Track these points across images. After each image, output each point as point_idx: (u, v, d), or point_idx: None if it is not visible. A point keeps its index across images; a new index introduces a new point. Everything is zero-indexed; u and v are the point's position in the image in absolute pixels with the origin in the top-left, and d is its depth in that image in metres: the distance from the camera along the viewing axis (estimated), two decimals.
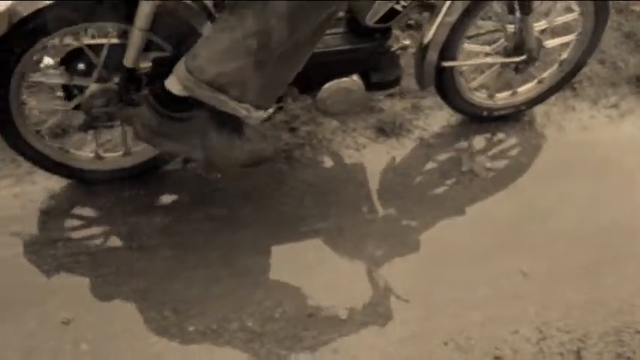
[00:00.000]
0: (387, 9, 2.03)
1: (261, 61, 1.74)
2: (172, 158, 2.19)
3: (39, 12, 1.76)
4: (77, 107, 1.98)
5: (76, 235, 2.06)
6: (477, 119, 2.49)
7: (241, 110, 1.81)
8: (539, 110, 2.56)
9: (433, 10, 2.16)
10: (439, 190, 2.29)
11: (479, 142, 2.45)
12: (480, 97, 2.44)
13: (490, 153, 2.42)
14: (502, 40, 2.34)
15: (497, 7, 2.42)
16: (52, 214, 2.09)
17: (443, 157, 2.39)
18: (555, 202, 2.25)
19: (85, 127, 2.02)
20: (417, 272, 2.02)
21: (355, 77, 2.08)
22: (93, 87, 1.92)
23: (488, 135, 2.48)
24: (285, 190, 2.23)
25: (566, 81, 2.51)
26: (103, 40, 1.90)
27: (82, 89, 1.94)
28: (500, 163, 2.40)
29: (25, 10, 1.75)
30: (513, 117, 2.52)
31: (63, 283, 1.93)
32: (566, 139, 2.49)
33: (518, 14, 2.24)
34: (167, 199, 2.19)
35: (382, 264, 2.04)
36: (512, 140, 2.48)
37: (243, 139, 1.92)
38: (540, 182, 2.33)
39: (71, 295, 1.90)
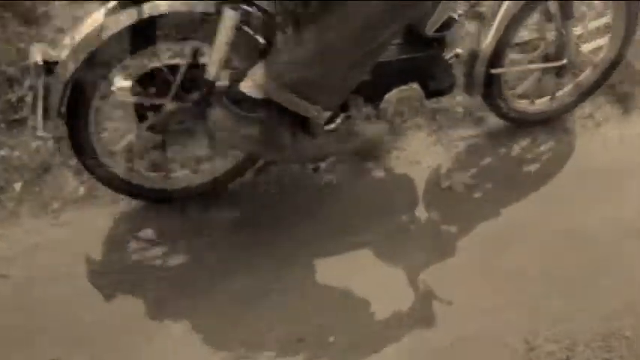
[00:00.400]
0: (445, 18, 2.10)
1: (334, 69, 1.86)
2: (241, 173, 2.24)
3: (127, 30, 1.81)
4: (151, 127, 2.02)
5: (62, 273, 2.03)
6: (519, 125, 2.57)
7: (313, 111, 1.92)
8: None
9: (482, 19, 2.20)
10: (415, 211, 2.29)
11: (457, 159, 2.46)
12: (522, 104, 2.52)
13: (470, 169, 2.43)
14: (542, 47, 2.42)
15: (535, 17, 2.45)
16: (38, 254, 2.07)
17: (423, 176, 2.40)
18: (537, 214, 2.27)
19: (161, 146, 2.07)
20: (402, 290, 2.04)
21: (415, 86, 2.15)
22: (169, 106, 1.97)
23: (467, 151, 2.50)
24: (276, 213, 2.24)
25: (602, 82, 2.58)
26: (179, 60, 1.95)
27: (155, 109, 1.98)
28: (484, 177, 2.42)
29: (113, 28, 1.80)
30: (552, 121, 2.60)
31: (50, 323, 1.91)
32: (541, 150, 2.54)
33: (559, 19, 2.32)
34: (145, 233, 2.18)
35: (367, 289, 2.04)
36: (489, 154, 2.51)
37: (311, 136, 2.02)
38: (520, 195, 2.36)
39: (59, 334, 1.88)
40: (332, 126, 2.06)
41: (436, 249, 2.16)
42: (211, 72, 1.89)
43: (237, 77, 1.92)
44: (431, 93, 2.20)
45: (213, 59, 1.87)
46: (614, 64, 2.53)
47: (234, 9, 1.80)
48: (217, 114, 1.90)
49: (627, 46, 2.49)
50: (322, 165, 2.12)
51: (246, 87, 1.87)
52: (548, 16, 2.35)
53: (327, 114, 1.99)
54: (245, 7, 1.82)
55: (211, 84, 1.91)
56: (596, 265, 2.11)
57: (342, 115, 2.08)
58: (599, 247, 2.16)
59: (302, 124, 1.99)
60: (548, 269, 2.09)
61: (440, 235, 2.21)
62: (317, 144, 2.04)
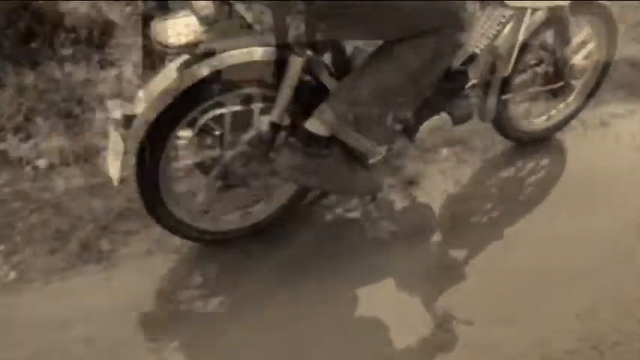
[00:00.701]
0: (469, 53, 2.30)
1: (391, 107, 2.06)
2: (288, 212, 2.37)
3: (199, 83, 1.92)
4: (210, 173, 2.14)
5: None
6: (525, 143, 2.82)
7: (369, 146, 2.11)
8: (430, 169, 2.70)
9: (497, 52, 2.44)
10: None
11: (379, 205, 2.54)
12: (526, 123, 2.77)
13: (393, 215, 2.51)
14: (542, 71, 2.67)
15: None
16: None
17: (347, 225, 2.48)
18: (471, 247, 2.40)
19: (225, 189, 2.16)
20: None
21: (444, 114, 2.32)
22: (229, 153, 2.09)
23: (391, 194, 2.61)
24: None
25: (596, 90, 2.85)
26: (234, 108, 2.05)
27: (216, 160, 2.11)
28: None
29: (187, 82, 1.91)
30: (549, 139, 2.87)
31: None
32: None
33: (557, 46, 2.58)
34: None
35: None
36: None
37: (365, 170, 2.20)
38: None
39: None
40: (379, 158, 2.21)
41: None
42: (276, 114, 2.02)
43: (297, 117, 2.06)
44: (457, 121, 2.37)
45: (279, 102, 2.00)
46: (603, 73, 2.81)
47: (300, 55, 1.93)
48: (285, 152, 2.03)
49: (613, 54, 2.77)
50: (378, 195, 2.24)
51: (313, 126, 2.01)
52: (544, 45, 2.61)
53: (381, 148, 2.16)
54: (307, 53, 1.95)
55: (277, 126, 2.04)
56: (518, 300, 2.19)
57: (385, 149, 2.23)
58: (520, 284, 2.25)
59: (357, 159, 2.15)
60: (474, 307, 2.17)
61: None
62: (371, 177, 2.20)
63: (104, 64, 2.96)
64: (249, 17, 1.92)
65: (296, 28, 1.86)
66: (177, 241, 2.28)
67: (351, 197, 2.48)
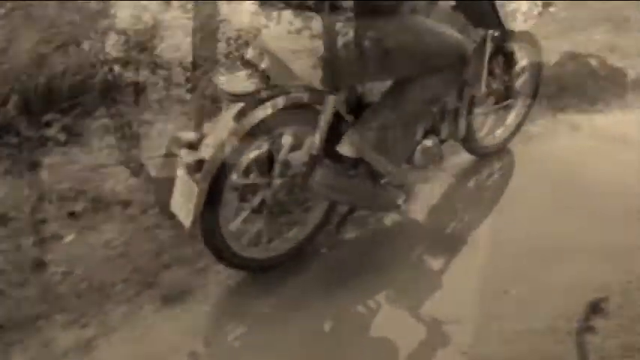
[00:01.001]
0: None
1: (408, 129, 2.44)
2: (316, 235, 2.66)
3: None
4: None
5: None
6: (486, 156, 3.29)
7: (388, 167, 2.45)
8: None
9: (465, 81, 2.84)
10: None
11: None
12: (487, 138, 3.24)
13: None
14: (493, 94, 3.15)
15: None
16: None
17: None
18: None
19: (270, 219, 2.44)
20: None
21: (433, 136, 2.71)
22: (277, 182, 2.37)
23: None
24: None
25: (533, 102, 3.36)
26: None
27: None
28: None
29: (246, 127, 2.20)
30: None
31: None
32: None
33: (504, 70, 3.07)
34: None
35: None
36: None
37: (384, 189, 2.54)
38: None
39: None
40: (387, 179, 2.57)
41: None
42: (316, 147, 2.33)
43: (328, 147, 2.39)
44: (442, 141, 2.79)
45: (318, 136, 2.32)
46: (537, 88, 3.33)
47: (334, 95, 2.27)
48: (321, 173, 2.34)
49: (542, 71, 3.30)
50: (403, 206, 2.62)
51: (343, 149, 2.36)
52: (492, 72, 3.06)
53: (398, 170, 2.51)
54: (337, 93, 2.29)
55: (315, 157, 2.35)
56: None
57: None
58: None
59: (378, 178, 2.50)
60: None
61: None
62: (389, 194, 2.55)
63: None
64: (297, 23, 2.15)
65: (344, 36, 2.12)
66: (60, 348, 2.27)
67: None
